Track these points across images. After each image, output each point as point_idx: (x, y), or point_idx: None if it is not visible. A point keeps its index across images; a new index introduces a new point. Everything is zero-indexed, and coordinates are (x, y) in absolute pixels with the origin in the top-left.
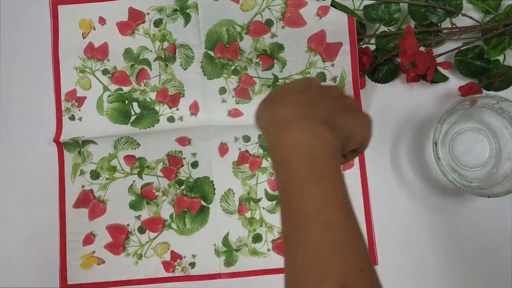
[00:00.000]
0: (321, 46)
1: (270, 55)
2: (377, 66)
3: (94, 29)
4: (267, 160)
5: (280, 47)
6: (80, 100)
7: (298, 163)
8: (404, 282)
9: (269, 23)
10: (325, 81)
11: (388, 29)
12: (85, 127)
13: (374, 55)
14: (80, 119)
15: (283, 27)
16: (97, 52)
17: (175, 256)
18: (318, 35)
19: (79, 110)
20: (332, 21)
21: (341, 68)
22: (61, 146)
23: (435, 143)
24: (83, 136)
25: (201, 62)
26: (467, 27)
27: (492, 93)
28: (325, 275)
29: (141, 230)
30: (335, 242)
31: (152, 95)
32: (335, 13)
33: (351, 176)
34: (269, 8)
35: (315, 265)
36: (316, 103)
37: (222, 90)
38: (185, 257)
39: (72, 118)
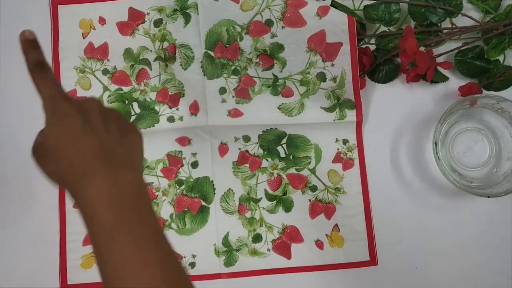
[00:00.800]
0: (321, 46)
1: (270, 55)
2: (377, 66)
3: (94, 29)
4: (267, 160)
5: (280, 47)
6: None
7: (105, 213)
8: (404, 282)
9: (269, 23)
10: (325, 81)
11: (388, 29)
12: None
13: (374, 55)
14: None
15: (283, 27)
16: (97, 52)
17: None
18: (318, 35)
19: None
20: (332, 21)
21: (341, 68)
22: None
23: (435, 143)
24: None
25: (201, 62)
26: (467, 27)
27: (492, 93)
28: None
29: None
30: (154, 279)
31: (152, 95)
32: (335, 13)
33: (351, 176)
34: (269, 8)
35: None
36: (105, 143)
37: (222, 90)
38: (185, 257)
39: None
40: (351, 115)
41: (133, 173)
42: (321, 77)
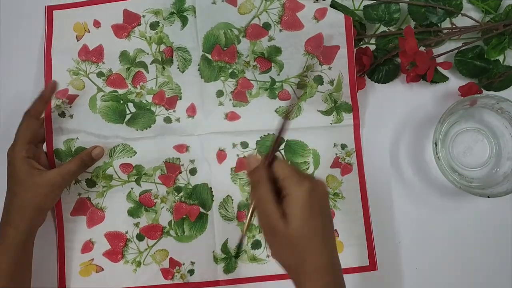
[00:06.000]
0: (318, 49)
1: (268, 58)
2: (377, 66)
3: (89, 32)
4: None
5: (278, 50)
6: (71, 98)
7: None
8: (404, 283)
9: (266, 26)
10: (322, 84)
11: (388, 29)
12: (76, 125)
13: (374, 55)
14: (71, 116)
15: (280, 30)
16: (92, 55)
17: (173, 263)
18: (315, 38)
19: (70, 107)
20: (329, 24)
21: (338, 71)
22: (52, 154)
23: (435, 143)
24: (78, 138)
25: (198, 65)
26: (467, 27)
27: (492, 93)
28: None
29: (140, 237)
30: None
31: (149, 98)
32: (333, 15)
33: (350, 181)
34: (266, 11)
35: None
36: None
37: (219, 93)
38: (184, 264)
39: (62, 115)
40: (348, 118)
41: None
42: (319, 80)
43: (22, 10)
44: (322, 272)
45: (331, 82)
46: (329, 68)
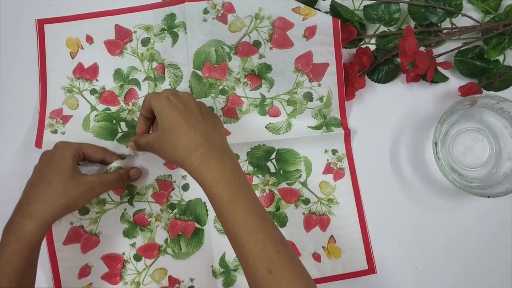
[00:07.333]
0: (308, 66)
1: (258, 75)
2: (377, 66)
3: (82, 49)
4: (258, 177)
5: (268, 68)
6: (66, 118)
7: (222, 193)
8: (404, 283)
9: (257, 44)
10: (312, 100)
11: (388, 29)
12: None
13: (374, 55)
14: (63, 133)
15: (270, 48)
16: (86, 73)
17: (173, 281)
18: (305, 56)
19: (63, 126)
20: (318, 42)
21: (327, 88)
22: None
23: (435, 143)
24: None
25: (189, 82)
26: (467, 27)
27: (492, 93)
28: (257, 266)
29: (137, 257)
30: (258, 240)
31: None
32: (321, 27)
33: (343, 185)
34: (256, 30)
35: (250, 261)
36: (207, 134)
37: (210, 110)
38: (183, 281)
39: (55, 131)
40: (338, 131)
41: (231, 158)
42: (308, 97)
43: (12, 25)
44: (196, 148)
45: (321, 99)
46: (319, 85)
